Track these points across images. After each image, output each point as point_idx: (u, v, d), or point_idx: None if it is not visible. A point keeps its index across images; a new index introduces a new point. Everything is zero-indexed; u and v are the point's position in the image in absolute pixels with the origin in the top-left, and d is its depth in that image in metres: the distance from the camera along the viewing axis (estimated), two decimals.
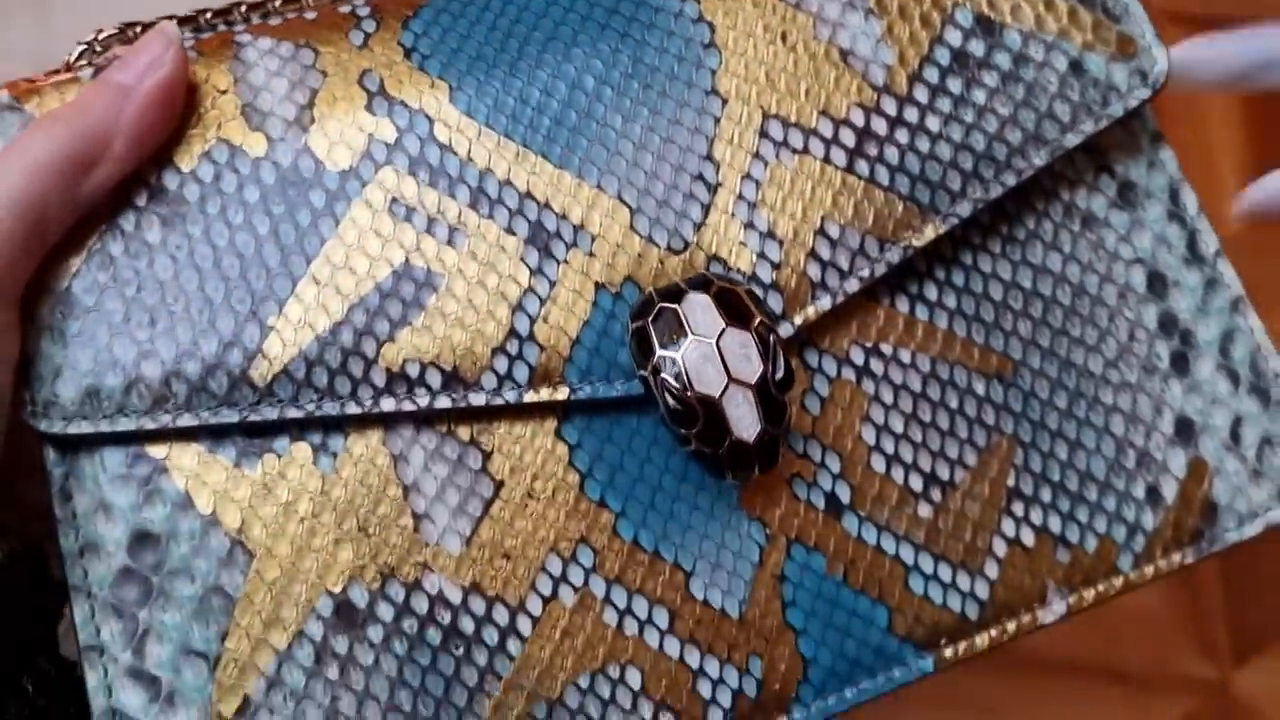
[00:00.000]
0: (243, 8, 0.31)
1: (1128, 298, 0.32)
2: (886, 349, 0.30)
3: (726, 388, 0.27)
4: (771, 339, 0.27)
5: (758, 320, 0.28)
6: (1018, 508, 0.30)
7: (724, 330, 0.27)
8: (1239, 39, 0.39)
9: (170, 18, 0.31)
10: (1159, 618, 0.90)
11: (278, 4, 0.32)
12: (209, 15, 0.31)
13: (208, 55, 0.29)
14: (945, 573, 0.30)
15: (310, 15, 0.31)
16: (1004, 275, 0.31)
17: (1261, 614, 0.93)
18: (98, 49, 0.30)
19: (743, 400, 0.27)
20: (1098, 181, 0.32)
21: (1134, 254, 0.32)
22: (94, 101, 0.27)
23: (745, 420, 0.27)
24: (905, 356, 0.30)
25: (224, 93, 0.29)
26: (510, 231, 0.28)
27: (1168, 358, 0.32)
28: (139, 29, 0.30)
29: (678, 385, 0.27)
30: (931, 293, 0.31)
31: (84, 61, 0.30)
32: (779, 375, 0.27)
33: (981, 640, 0.30)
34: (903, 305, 0.30)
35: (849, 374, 0.30)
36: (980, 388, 0.31)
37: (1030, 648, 0.89)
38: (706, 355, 0.27)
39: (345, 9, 0.31)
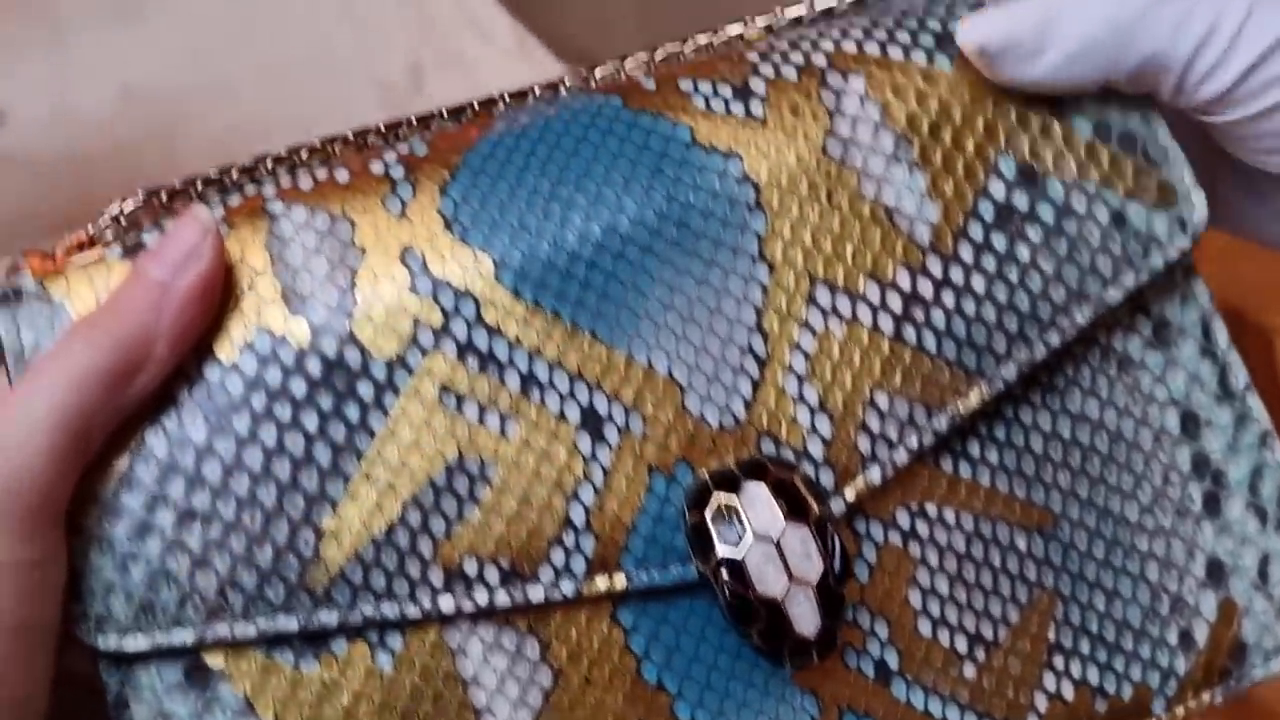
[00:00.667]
0: (268, 162, 0.30)
1: (1162, 440, 0.32)
2: (931, 509, 0.30)
3: (789, 589, 0.27)
4: (830, 531, 0.28)
5: (816, 513, 0.28)
6: (1058, 661, 0.31)
7: (784, 528, 0.27)
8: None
9: (194, 181, 0.30)
10: None
11: (304, 155, 0.31)
12: (235, 174, 0.30)
13: (239, 228, 0.28)
14: None
15: (341, 174, 0.30)
16: (1044, 426, 0.31)
17: None
18: (123, 221, 0.29)
19: (804, 599, 0.27)
20: (1134, 322, 0.32)
21: (1168, 395, 0.33)
22: (132, 303, 0.26)
23: (806, 618, 0.27)
24: (950, 516, 0.31)
25: (261, 274, 0.28)
26: (563, 418, 0.28)
27: (1200, 500, 0.32)
28: (164, 195, 0.29)
29: (739, 586, 0.27)
30: (974, 449, 0.31)
31: (110, 236, 0.29)
32: (838, 570, 0.27)
33: None
34: (946, 464, 0.31)
35: (895, 538, 0.30)
36: (1022, 543, 0.31)
37: None
38: (767, 555, 0.27)
39: (377, 168, 0.30)
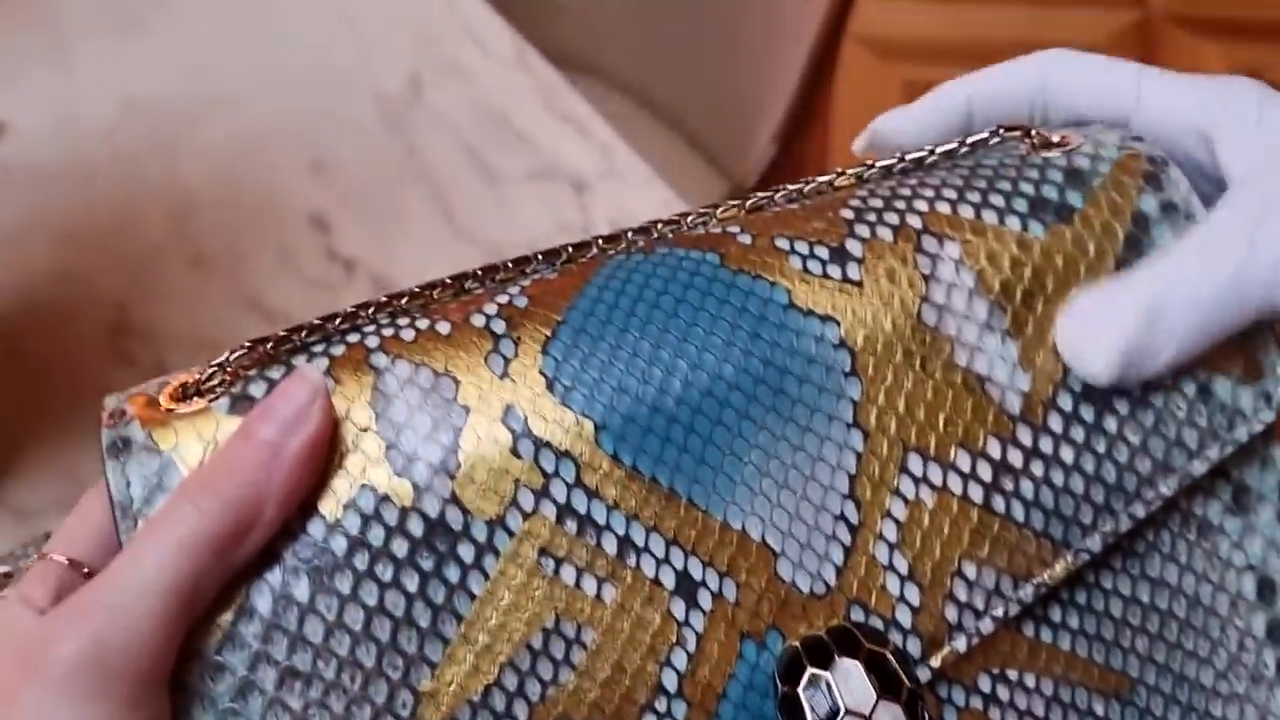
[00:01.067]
0: (370, 309, 0.31)
1: (1238, 606, 0.33)
2: (1013, 674, 0.31)
3: None
4: (921, 708, 0.28)
5: (907, 689, 0.28)
6: None
7: (876, 704, 0.28)
8: (934, 101, 0.35)
9: (299, 330, 0.30)
10: None
11: (404, 302, 0.31)
12: (338, 321, 0.30)
13: (345, 383, 0.29)
14: None
15: (443, 326, 0.30)
16: (1124, 591, 0.32)
17: None
18: (228, 370, 0.29)
19: None
20: (1214, 487, 0.33)
21: (1246, 561, 0.33)
22: (243, 464, 0.27)
23: None
24: (1030, 681, 0.31)
25: (365, 430, 0.28)
26: (658, 583, 0.28)
27: (1274, 666, 0.33)
28: (270, 345, 0.30)
29: None
30: (1056, 614, 0.31)
31: (216, 384, 0.29)
32: None
33: None
34: (1029, 630, 0.31)
35: (976, 703, 0.30)
36: (1100, 709, 0.31)
37: None
38: None
39: (479, 321, 0.30)
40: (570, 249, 0.33)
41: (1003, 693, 0.31)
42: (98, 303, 0.53)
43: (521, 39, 0.64)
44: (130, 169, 0.59)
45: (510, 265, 0.32)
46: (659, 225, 0.33)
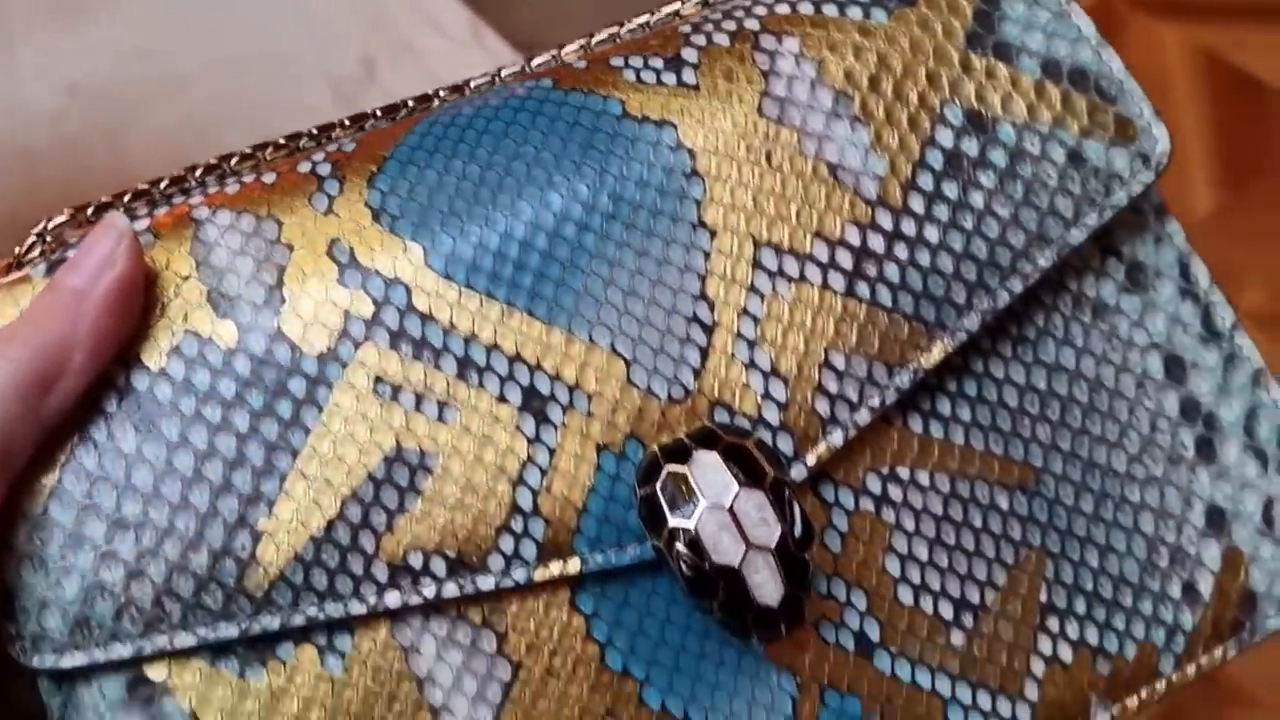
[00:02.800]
0: (198, 172, 0.30)
1: (1146, 386, 0.31)
2: (903, 472, 0.29)
3: (745, 555, 0.26)
4: (787, 494, 0.26)
5: (771, 477, 0.26)
6: (1053, 623, 0.29)
7: (737, 492, 0.26)
8: None
9: (124, 195, 0.29)
10: None
11: (234, 163, 0.30)
12: (164, 185, 0.30)
13: (165, 237, 0.28)
14: (985, 700, 0.29)
15: (269, 177, 0.29)
16: (1018, 379, 0.30)
17: None
18: (49, 239, 0.28)
19: (763, 565, 0.26)
20: (1105, 266, 0.31)
21: (1149, 339, 0.31)
22: (47, 313, 0.26)
23: (767, 586, 0.26)
24: (924, 478, 0.29)
25: (186, 279, 0.27)
26: (503, 399, 0.27)
27: (1192, 445, 0.31)
28: (91, 212, 0.29)
29: (694, 557, 0.26)
30: (945, 407, 0.30)
31: (35, 253, 0.28)
32: (798, 533, 0.26)
33: None
34: (916, 424, 0.29)
35: (867, 504, 0.29)
36: (1004, 501, 0.29)
37: None
38: (722, 523, 0.26)
39: (304, 167, 0.29)
40: (409, 102, 0.32)
41: (894, 492, 0.29)
42: None
43: (476, 18, 0.63)
44: (77, 154, 0.58)
45: (347, 123, 0.31)
46: (500, 74, 0.32)
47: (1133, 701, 0.30)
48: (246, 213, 0.28)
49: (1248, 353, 0.31)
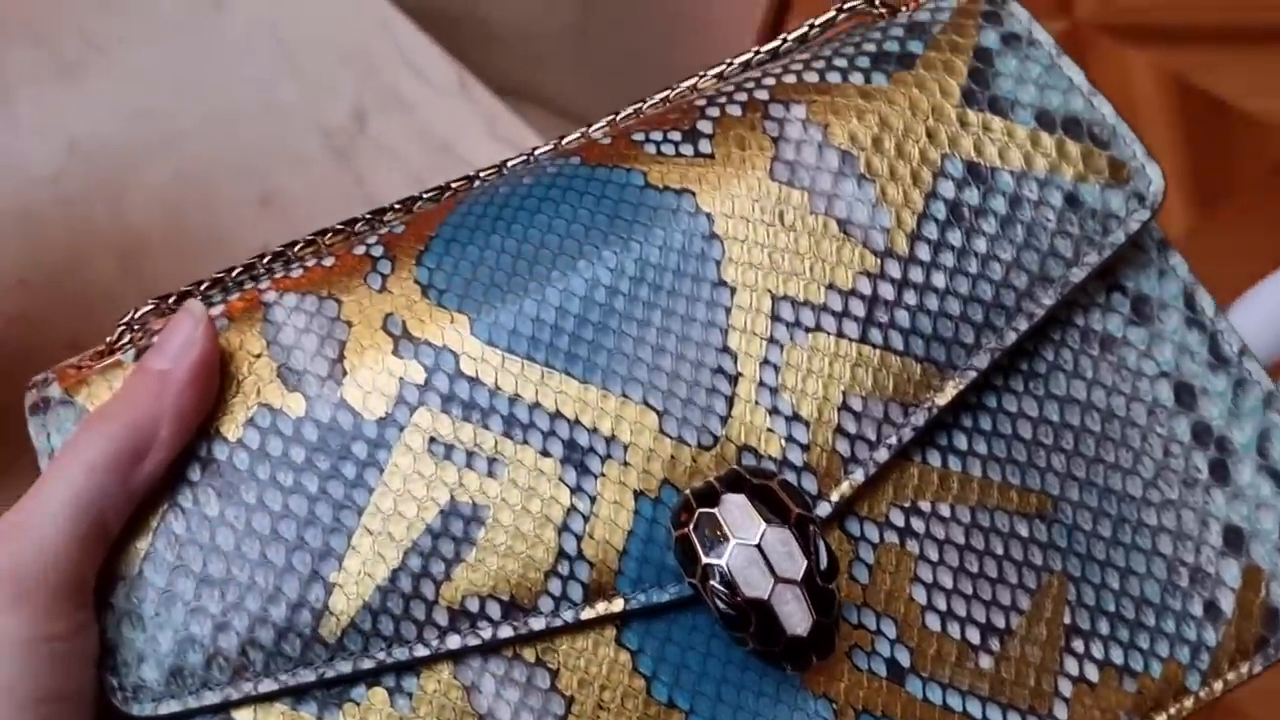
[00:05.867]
0: (265, 259, 0.33)
1: (1157, 414, 0.32)
2: (925, 506, 0.31)
3: (774, 588, 0.28)
4: (811, 530, 0.28)
5: (795, 514, 0.28)
6: (1078, 645, 0.31)
7: (764, 530, 0.28)
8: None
9: (200, 284, 0.32)
10: None
11: (297, 249, 0.33)
12: (235, 272, 0.33)
13: (238, 320, 0.31)
14: None
15: (328, 260, 0.32)
16: (1030, 412, 0.32)
17: None
18: (135, 326, 0.32)
19: (791, 598, 0.28)
20: (1110, 301, 0.33)
21: (1157, 369, 0.33)
22: (136, 392, 0.29)
23: (796, 616, 0.28)
24: (944, 510, 0.31)
25: (258, 356, 0.30)
26: (546, 454, 0.30)
27: (1206, 468, 0.32)
28: (172, 300, 0.32)
29: (726, 591, 0.28)
30: (961, 442, 0.31)
31: (125, 341, 0.31)
32: (823, 566, 0.28)
33: None
34: (934, 459, 0.31)
35: (891, 537, 0.30)
36: (1024, 529, 0.31)
37: None
38: (750, 559, 0.28)
39: (359, 250, 0.32)
40: (454, 184, 0.35)
41: (917, 525, 0.31)
42: (51, 346, 0.55)
43: (463, 68, 0.65)
44: (78, 211, 0.60)
45: (397, 206, 0.34)
46: (534, 154, 0.35)
47: (1162, 719, 0.31)
48: (310, 294, 0.31)
49: (1257, 376, 0.33)
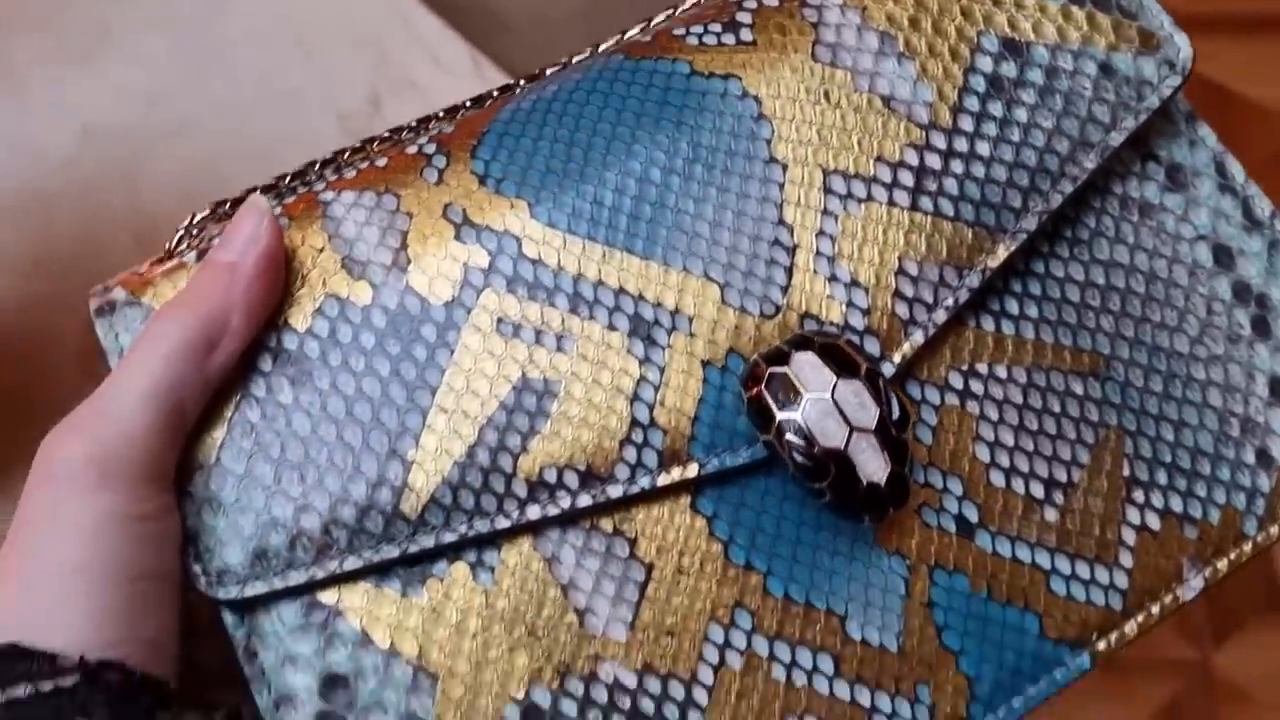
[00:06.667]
0: (317, 166, 0.33)
1: (1198, 275, 0.33)
2: (982, 368, 0.31)
3: (850, 437, 0.28)
4: (881, 383, 0.29)
5: (864, 367, 0.29)
6: (1138, 495, 0.31)
7: (835, 383, 0.29)
8: None
9: (253, 190, 0.33)
10: None
11: (347, 156, 0.34)
12: (288, 179, 0.33)
13: (298, 219, 0.31)
14: (1083, 570, 0.31)
15: (381, 162, 0.32)
16: (1077, 276, 0.33)
17: (1236, 592, 0.94)
18: (194, 231, 0.32)
19: (867, 446, 0.28)
20: (1146, 169, 0.34)
21: (1195, 232, 0.33)
22: (206, 285, 0.29)
23: (873, 464, 0.28)
24: (1001, 372, 0.32)
25: (321, 250, 0.31)
26: (612, 328, 0.30)
27: (1249, 324, 0.33)
28: (228, 205, 0.32)
29: (804, 444, 0.28)
30: (1013, 307, 0.32)
31: (184, 245, 0.32)
32: (896, 415, 0.29)
33: (1130, 628, 0.31)
34: (988, 324, 0.32)
35: (952, 399, 0.31)
36: (1078, 387, 0.32)
37: None
38: (825, 410, 0.28)
39: (412, 150, 0.32)
40: (497, 91, 0.35)
41: (976, 386, 0.31)
42: (66, 329, 0.54)
43: (475, 50, 0.65)
44: (92, 195, 0.59)
45: (442, 114, 0.35)
46: (571, 60, 0.36)
47: (1223, 564, 0.31)
48: (368, 190, 0.31)
49: None
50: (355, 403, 0.29)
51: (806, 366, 0.29)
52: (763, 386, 0.29)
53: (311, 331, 0.30)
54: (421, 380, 0.29)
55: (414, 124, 0.35)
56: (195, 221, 0.32)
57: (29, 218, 0.58)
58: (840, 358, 0.29)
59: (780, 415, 0.29)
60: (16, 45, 0.63)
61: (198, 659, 0.31)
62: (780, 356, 0.29)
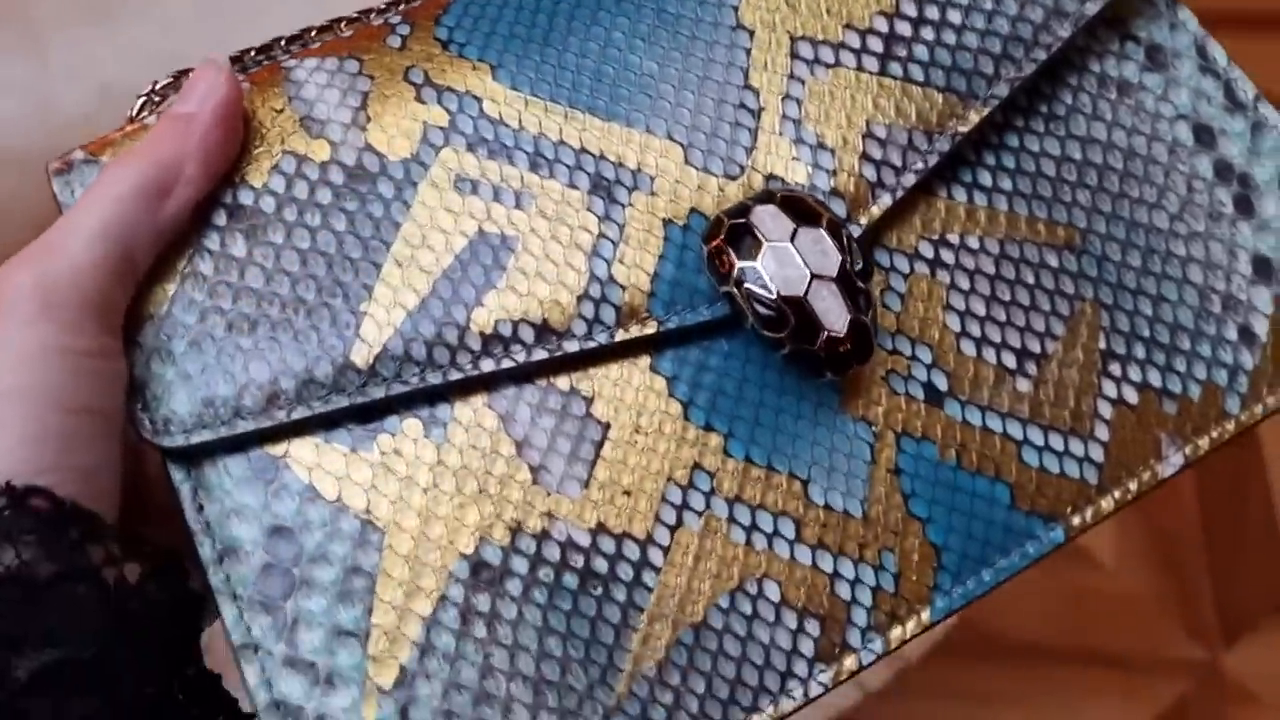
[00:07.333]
0: (282, 42, 0.33)
1: (1178, 152, 0.32)
2: (953, 238, 0.31)
3: (810, 284, 0.27)
4: (844, 234, 0.28)
5: (826, 218, 0.28)
6: (1114, 368, 0.30)
7: (796, 231, 0.28)
8: None
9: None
10: (1148, 603, 0.90)
11: (314, 33, 0.33)
12: (253, 53, 0.33)
13: (260, 84, 0.31)
14: (1057, 442, 0.30)
15: (346, 32, 0.32)
16: (1053, 151, 0.32)
17: (1247, 592, 0.92)
18: (155, 99, 0.32)
19: (828, 294, 0.27)
20: (1124, 49, 0.33)
21: (1175, 111, 0.33)
22: (162, 133, 0.29)
23: (834, 312, 0.27)
24: (973, 242, 0.31)
25: (281, 111, 0.30)
26: (573, 186, 0.29)
27: (1231, 202, 0.32)
28: (189, 73, 0.32)
29: (762, 292, 0.28)
30: (986, 179, 0.31)
31: (145, 112, 0.31)
32: (858, 265, 0.28)
33: (1107, 503, 0.30)
34: (960, 195, 0.31)
35: (922, 268, 0.30)
36: (1053, 260, 0.31)
37: (1023, 636, 0.88)
38: (784, 258, 0.28)
39: (377, 21, 0.32)
40: None
41: (947, 255, 0.31)
42: None
43: None
44: None
45: None
46: None
47: (1204, 442, 0.30)
48: (330, 56, 0.31)
49: (1274, 120, 0.33)
50: (309, 257, 0.29)
51: (767, 217, 0.28)
52: (722, 238, 0.28)
53: (268, 187, 0.29)
54: (377, 236, 0.29)
55: (384, 4, 0.34)
56: (157, 89, 0.32)
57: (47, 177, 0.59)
58: (802, 209, 0.28)
59: (739, 264, 0.28)
60: (37, 4, 0.63)
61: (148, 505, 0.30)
62: (742, 210, 0.29)
